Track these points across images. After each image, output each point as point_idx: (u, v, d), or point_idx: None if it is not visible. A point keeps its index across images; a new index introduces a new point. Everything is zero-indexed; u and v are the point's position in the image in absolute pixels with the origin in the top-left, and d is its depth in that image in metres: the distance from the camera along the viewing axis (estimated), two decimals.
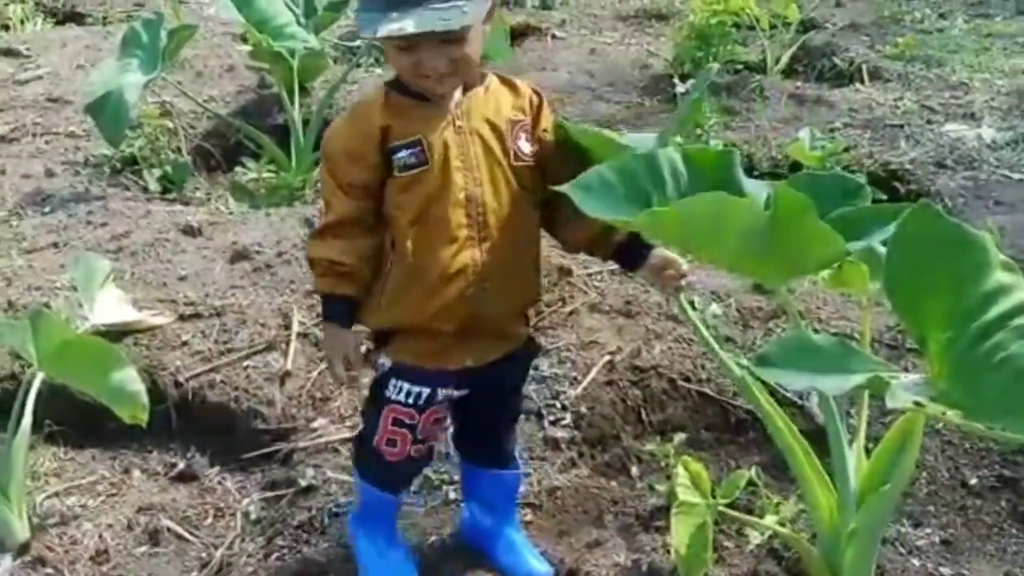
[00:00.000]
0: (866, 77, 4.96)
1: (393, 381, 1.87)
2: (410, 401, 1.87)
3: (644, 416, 2.56)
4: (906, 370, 2.15)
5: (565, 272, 3.01)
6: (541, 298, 2.08)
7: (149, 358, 2.71)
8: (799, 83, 4.92)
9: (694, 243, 1.73)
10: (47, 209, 3.71)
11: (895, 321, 2.69)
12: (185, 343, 2.78)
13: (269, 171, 4.19)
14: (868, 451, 1.93)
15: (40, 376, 2.21)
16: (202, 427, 2.62)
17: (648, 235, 1.82)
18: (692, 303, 2.74)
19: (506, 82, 1.84)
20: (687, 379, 2.61)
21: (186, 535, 2.30)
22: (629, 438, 2.51)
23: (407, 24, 1.60)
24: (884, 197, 3.40)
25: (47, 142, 4.31)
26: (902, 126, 4.27)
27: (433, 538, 2.16)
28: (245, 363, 2.71)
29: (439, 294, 1.77)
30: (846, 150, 3.92)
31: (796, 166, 3.73)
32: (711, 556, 1.95)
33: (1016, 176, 3.83)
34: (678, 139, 3.03)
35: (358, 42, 5.18)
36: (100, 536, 2.28)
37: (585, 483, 2.33)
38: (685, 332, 2.76)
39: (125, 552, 2.26)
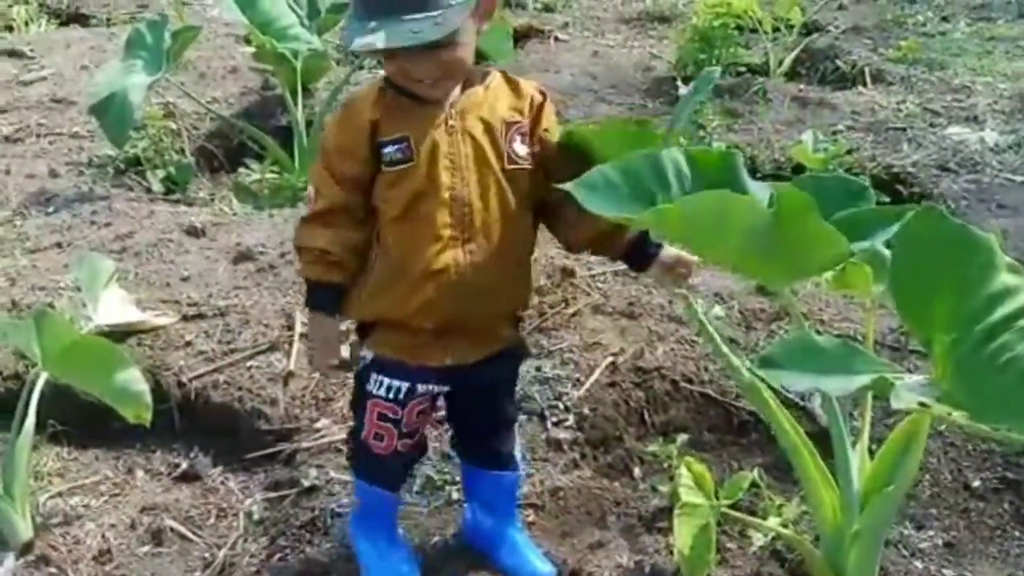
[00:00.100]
0: (869, 80, 4.96)
1: (374, 375, 1.88)
2: (391, 396, 1.87)
3: (647, 417, 2.55)
4: (909, 372, 2.14)
5: (568, 273, 3.01)
6: (530, 302, 2.07)
7: (153, 358, 2.71)
8: (802, 86, 4.92)
9: (697, 241, 1.73)
10: (51, 209, 3.72)
11: (898, 324, 2.69)
12: (188, 343, 2.78)
13: (272, 172, 4.20)
14: (872, 453, 1.92)
15: (44, 376, 2.21)
16: (205, 427, 2.62)
17: (652, 233, 1.82)
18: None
19: (509, 81, 1.83)
20: (690, 380, 2.61)
21: (189, 535, 2.30)
22: (632, 439, 2.51)
23: (377, 39, 1.60)
24: (887, 200, 3.39)
25: (51, 143, 4.31)
26: (905, 129, 4.27)
27: (436, 539, 2.16)
28: (248, 363, 2.71)
29: (420, 291, 1.77)
30: (849, 153, 3.92)
31: (799, 168, 3.73)
32: (714, 557, 1.96)
33: (1019, 179, 3.83)
34: (682, 140, 3.03)
35: None
36: (103, 536, 2.28)
37: (588, 484, 2.33)
38: (688, 333, 2.76)
39: (128, 552, 2.26)
